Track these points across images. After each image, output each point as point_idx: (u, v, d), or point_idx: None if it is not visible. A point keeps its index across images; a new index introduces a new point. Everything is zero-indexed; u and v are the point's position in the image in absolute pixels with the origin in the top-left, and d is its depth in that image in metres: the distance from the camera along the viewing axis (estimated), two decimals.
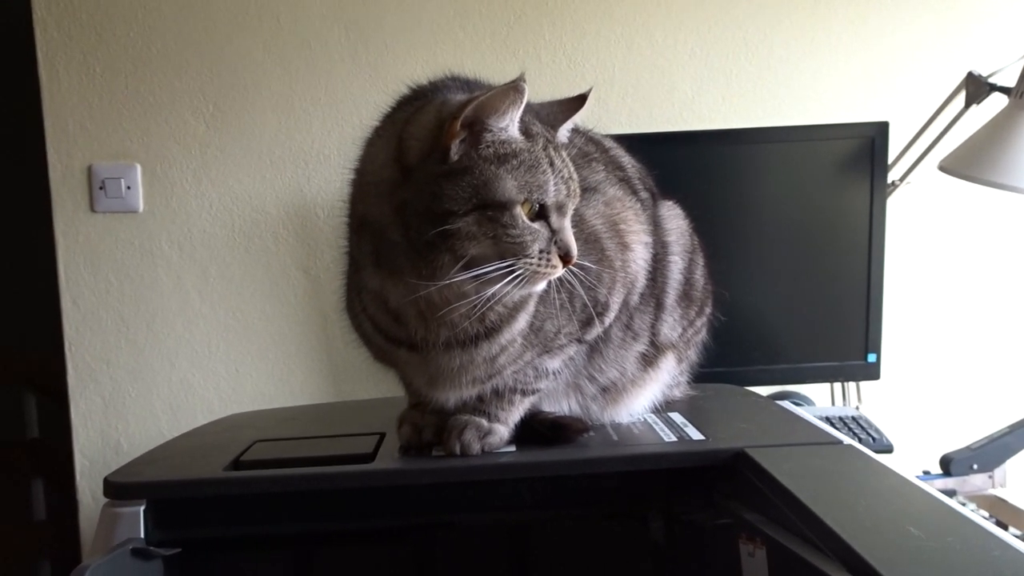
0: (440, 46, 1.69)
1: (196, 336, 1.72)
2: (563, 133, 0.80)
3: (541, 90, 1.83)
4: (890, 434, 1.48)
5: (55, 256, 1.69)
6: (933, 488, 0.69)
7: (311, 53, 1.69)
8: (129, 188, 1.68)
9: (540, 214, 0.73)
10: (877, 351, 1.58)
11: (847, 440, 0.80)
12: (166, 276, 1.71)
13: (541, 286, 0.76)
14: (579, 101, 0.80)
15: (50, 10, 1.65)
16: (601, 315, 0.84)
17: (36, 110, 1.67)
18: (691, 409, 0.95)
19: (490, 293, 0.72)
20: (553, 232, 0.74)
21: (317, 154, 1.70)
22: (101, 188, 1.67)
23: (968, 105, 1.49)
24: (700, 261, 0.97)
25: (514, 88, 0.71)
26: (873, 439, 1.47)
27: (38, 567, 2.05)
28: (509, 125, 0.72)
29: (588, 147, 0.90)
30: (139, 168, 1.68)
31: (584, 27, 1.71)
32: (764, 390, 1.63)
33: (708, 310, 1.00)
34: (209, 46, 1.68)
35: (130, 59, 1.67)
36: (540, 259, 0.73)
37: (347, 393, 1.71)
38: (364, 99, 1.69)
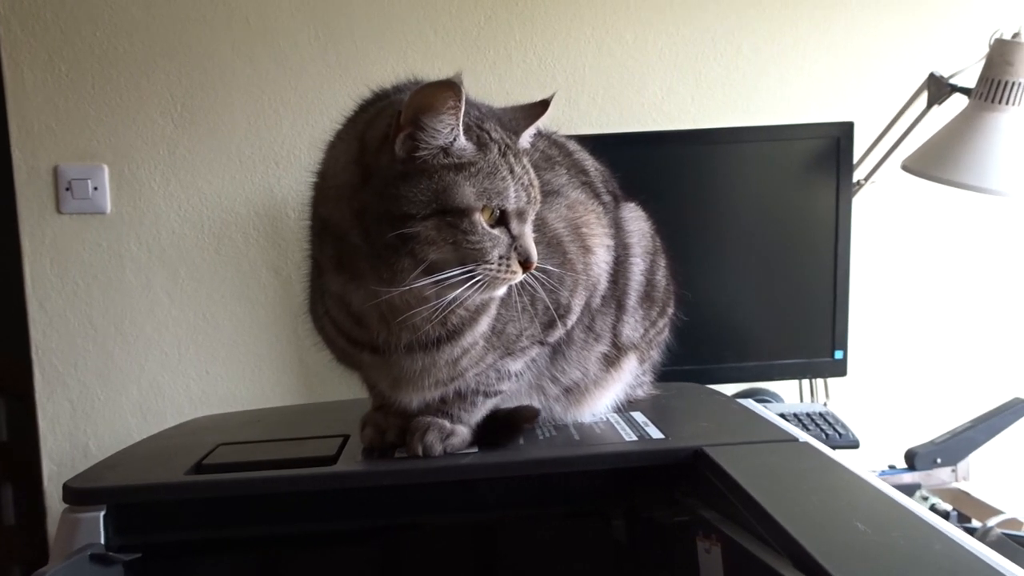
0: (411, 46, 1.69)
1: (165, 338, 1.71)
2: (525, 138, 0.80)
3: (512, 90, 1.83)
4: (856, 429, 1.51)
5: (21, 258, 1.67)
6: (885, 484, 0.70)
7: (281, 53, 1.68)
8: (96, 189, 1.66)
9: (500, 220, 0.74)
10: (844, 348, 1.60)
11: (803, 437, 0.82)
12: (135, 278, 1.70)
13: (501, 291, 0.76)
14: (542, 107, 0.81)
15: (13, 9, 1.63)
16: (563, 317, 0.85)
17: (0, 110, 1.64)
18: (653, 408, 0.96)
19: (450, 298, 0.73)
20: (513, 238, 0.74)
21: (287, 154, 1.70)
22: (68, 189, 1.65)
23: (930, 106, 1.51)
24: (662, 262, 0.98)
25: (447, 85, 0.69)
26: (840, 435, 1.49)
27: (8, 573, 2.02)
28: (450, 128, 0.71)
29: (551, 151, 0.91)
30: (106, 169, 1.67)
31: (554, 28, 1.71)
32: (734, 387, 1.65)
33: (670, 310, 1.01)
34: (177, 46, 1.66)
35: (96, 59, 1.65)
36: (500, 265, 0.73)
37: (318, 394, 1.71)
38: (334, 100, 1.69)
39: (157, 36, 1.66)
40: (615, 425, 0.90)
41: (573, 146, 0.98)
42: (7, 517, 2.02)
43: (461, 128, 0.72)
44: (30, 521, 1.81)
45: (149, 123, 1.67)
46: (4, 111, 1.64)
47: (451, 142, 0.72)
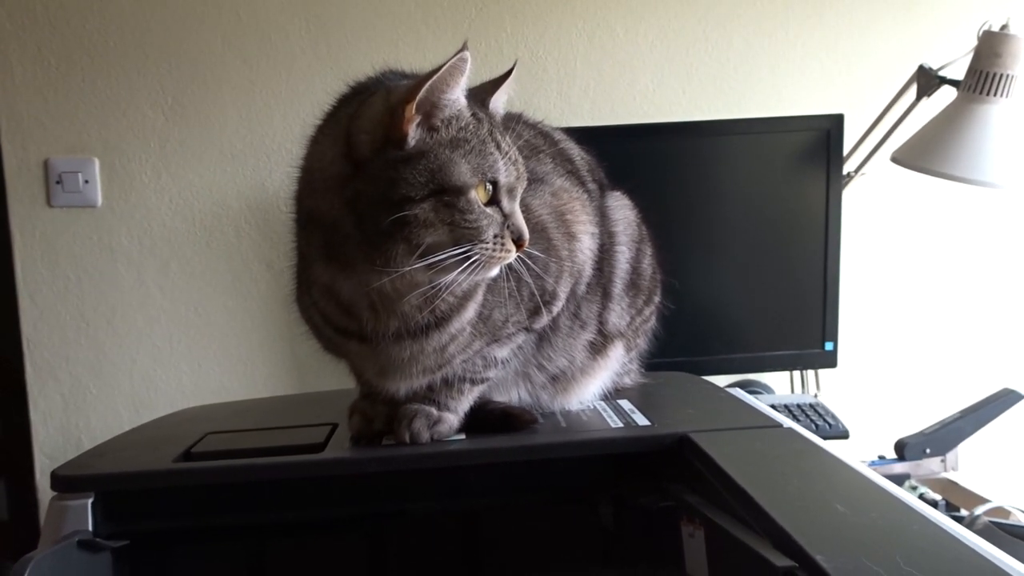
0: (402, 39, 1.70)
1: (157, 331, 1.71)
2: (498, 105, 0.81)
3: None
4: (847, 420, 1.52)
5: (11, 252, 1.67)
6: (866, 468, 0.71)
7: (272, 46, 1.68)
8: (87, 182, 1.66)
9: (492, 199, 0.75)
10: (834, 339, 1.61)
11: (788, 423, 0.82)
12: (126, 271, 1.69)
13: (495, 271, 0.77)
14: (506, 75, 0.81)
15: (2, 2, 1.62)
16: (548, 304, 0.85)
17: None
18: (640, 396, 0.96)
19: (445, 281, 0.73)
20: (505, 216, 0.75)
21: (279, 147, 1.70)
22: (58, 182, 1.65)
23: (919, 98, 1.52)
24: (648, 251, 0.98)
25: (461, 59, 0.72)
26: (830, 425, 1.50)
27: (0, 566, 2.02)
28: (459, 97, 0.74)
29: (536, 140, 0.91)
30: (97, 162, 1.67)
31: (546, 20, 1.72)
32: (725, 379, 1.66)
33: (657, 299, 1.01)
34: (167, 39, 1.66)
35: (86, 52, 1.65)
36: (495, 244, 0.74)
37: (311, 385, 1.71)
38: (326, 93, 1.67)
39: (147, 29, 1.66)
40: (602, 412, 0.90)
41: (559, 135, 0.98)
42: (0, 511, 2.02)
43: (465, 100, 0.74)
44: (23, 515, 1.81)
45: (140, 116, 1.67)
46: None
47: (459, 111, 0.74)
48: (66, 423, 1.72)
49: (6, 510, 2.02)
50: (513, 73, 0.81)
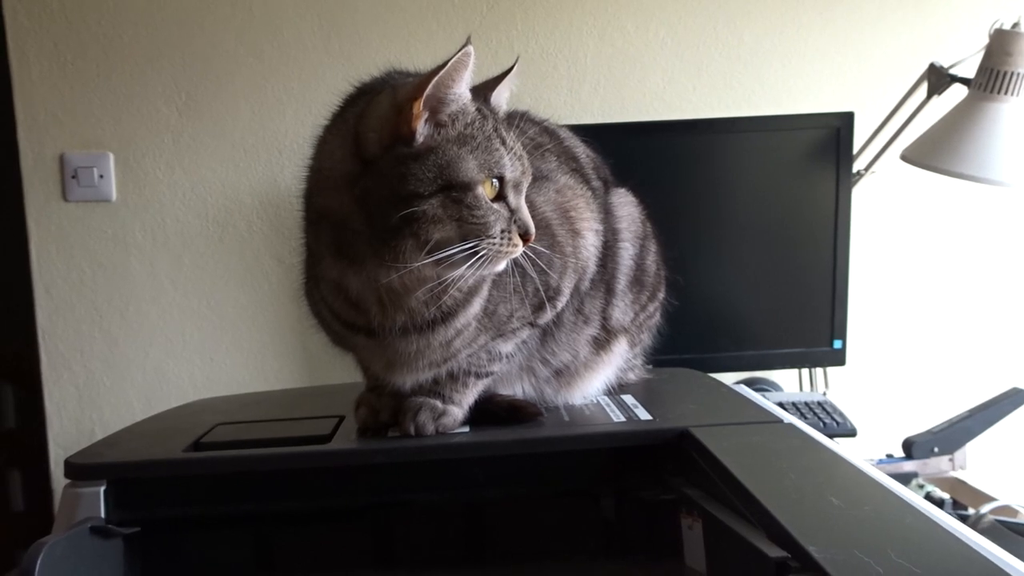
0: (413, 35, 1.71)
1: (170, 325, 1.74)
2: (500, 101, 0.81)
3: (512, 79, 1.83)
4: (855, 418, 1.52)
5: (27, 246, 1.70)
6: (864, 462, 0.71)
7: (284, 42, 1.70)
8: (102, 177, 1.69)
9: (499, 194, 0.76)
10: (843, 338, 1.61)
11: (788, 418, 0.83)
12: (140, 265, 1.72)
13: (502, 266, 0.78)
14: (508, 70, 0.82)
15: None
16: (552, 300, 0.86)
17: (7, 99, 1.67)
18: (644, 391, 0.97)
19: (455, 275, 0.74)
20: (512, 212, 0.76)
21: (291, 143, 1.72)
22: (73, 177, 1.68)
23: (930, 96, 1.51)
24: (652, 247, 0.99)
25: (465, 54, 0.73)
26: (837, 423, 1.50)
27: (16, 557, 2.05)
28: (464, 91, 0.75)
29: (541, 138, 0.92)
30: (112, 157, 1.69)
31: (557, 17, 1.72)
32: (733, 376, 1.66)
33: (661, 295, 1.01)
34: (181, 35, 1.68)
35: (101, 48, 1.67)
36: (502, 239, 0.75)
37: (321, 380, 1.73)
38: (338, 89, 1.68)
39: (161, 26, 1.68)
40: (605, 407, 0.91)
41: (564, 133, 0.99)
42: (15, 502, 2.05)
43: (469, 95, 0.75)
44: (38, 506, 1.83)
45: (154, 112, 1.69)
46: (10, 100, 1.67)
47: (464, 106, 0.75)
48: (80, 415, 1.74)
49: (21, 501, 2.05)
50: (515, 69, 0.82)
